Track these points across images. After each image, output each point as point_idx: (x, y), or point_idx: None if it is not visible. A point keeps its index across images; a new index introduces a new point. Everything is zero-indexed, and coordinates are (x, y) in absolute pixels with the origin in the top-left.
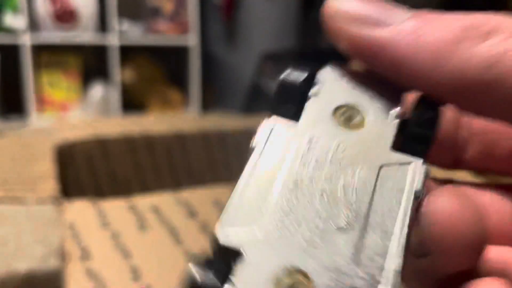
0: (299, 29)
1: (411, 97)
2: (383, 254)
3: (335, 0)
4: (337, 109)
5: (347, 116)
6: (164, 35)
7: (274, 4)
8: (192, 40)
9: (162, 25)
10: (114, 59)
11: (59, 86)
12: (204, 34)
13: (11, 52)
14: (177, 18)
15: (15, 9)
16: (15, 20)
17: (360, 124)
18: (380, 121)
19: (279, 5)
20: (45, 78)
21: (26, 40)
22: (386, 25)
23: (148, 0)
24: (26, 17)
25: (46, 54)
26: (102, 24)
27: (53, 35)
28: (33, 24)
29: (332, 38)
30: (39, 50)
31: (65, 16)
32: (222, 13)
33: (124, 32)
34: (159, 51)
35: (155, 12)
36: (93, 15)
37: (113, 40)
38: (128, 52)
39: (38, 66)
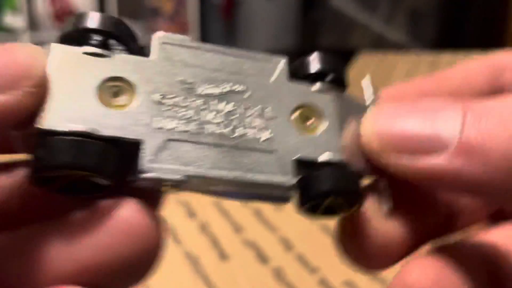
0: (299, 29)
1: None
2: None
3: (372, 120)
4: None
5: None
6: None
7: (274, 4)
8: None
9: (162, 25)
10: None
11: None
12: (204, 34)
13: None
14: (177, 18)
15: (15, 9)
16: (15, 20)
17: None
18: None
19: (279, 5)
20: None
21: (25, 40)
22: (439, 149)
23: (147, 0)
24: (25, 16)
25: None
26: None
27: (53, 35)
28: (33, 24)
29: (378, 163)
30: None
31: (65, 16)
32: (222, 13)
33: None
34: None
35: (155, 12)
36: None
37: None
38: None
39: None
